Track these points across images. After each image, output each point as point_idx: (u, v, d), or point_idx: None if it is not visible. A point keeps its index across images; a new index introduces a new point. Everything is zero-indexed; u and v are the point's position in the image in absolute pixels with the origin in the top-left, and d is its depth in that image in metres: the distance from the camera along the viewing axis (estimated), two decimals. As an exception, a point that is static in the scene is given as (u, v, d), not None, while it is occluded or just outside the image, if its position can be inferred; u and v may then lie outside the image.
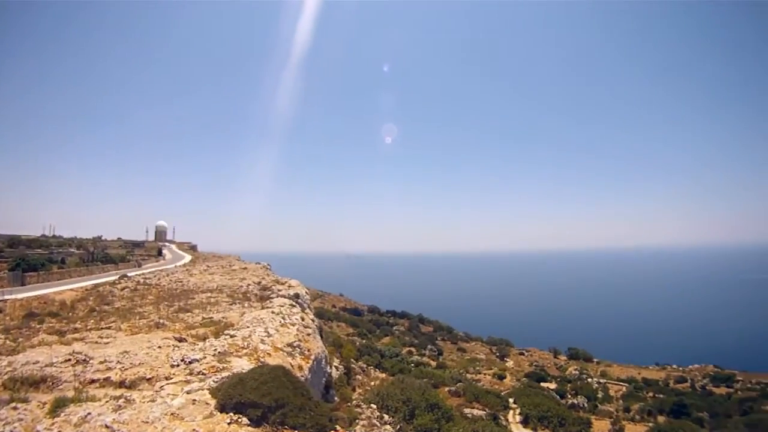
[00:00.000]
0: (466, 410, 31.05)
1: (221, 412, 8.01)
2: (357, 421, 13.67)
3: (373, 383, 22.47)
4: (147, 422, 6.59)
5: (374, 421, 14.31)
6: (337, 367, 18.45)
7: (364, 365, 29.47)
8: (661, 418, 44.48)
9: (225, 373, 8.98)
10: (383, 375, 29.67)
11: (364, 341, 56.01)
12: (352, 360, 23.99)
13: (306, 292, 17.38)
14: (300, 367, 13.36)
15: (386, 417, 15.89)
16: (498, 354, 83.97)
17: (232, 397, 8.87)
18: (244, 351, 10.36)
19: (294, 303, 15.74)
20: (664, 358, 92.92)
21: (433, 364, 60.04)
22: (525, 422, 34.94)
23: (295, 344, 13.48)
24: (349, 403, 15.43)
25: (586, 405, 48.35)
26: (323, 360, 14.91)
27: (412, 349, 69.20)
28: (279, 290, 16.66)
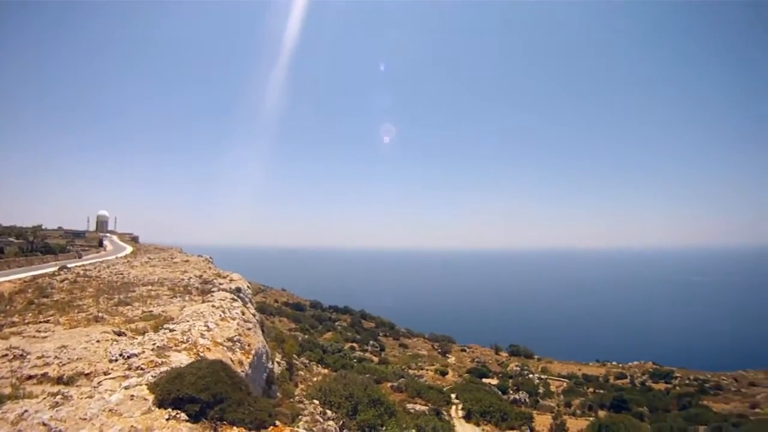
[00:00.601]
0: (409, 405, 31.94)
1: (160, 408, 8.12)
2: (300, 417, 14.01)
3: (315, 379, 22.82)
4: (85, 419, 6.68)
5: (317, 416, 14.70)
6: (279, 363, 18.64)
7: (307, 361, 29.78)
8: (601, 413, 46.68)
9: (164, 368, 9.10)
10: (326, 370, 30.08)
11: (306, 336, 56.29)
12: (294, 355, 24.23)
13: (248, 286, 17.43)
14: (240, 362, 13.53)
15: (329, 413, 16.32)
16: (440, 350, 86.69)
17: (170, 393, 8.98)
18: (184, 345, 10.46)
19: (235, 297, 15.80)
20: (604, 356, 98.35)
21: (376, 359, 61.05)
22: (467, 417, 36.25)
23: (235, 339, 13.62)
24: (291, 399, 15.73)
25: (527, 400, 50.43)
26: (264, 355, 15.11)
27: (355, 344, 70.15)
28: (220, 284, 16.65)
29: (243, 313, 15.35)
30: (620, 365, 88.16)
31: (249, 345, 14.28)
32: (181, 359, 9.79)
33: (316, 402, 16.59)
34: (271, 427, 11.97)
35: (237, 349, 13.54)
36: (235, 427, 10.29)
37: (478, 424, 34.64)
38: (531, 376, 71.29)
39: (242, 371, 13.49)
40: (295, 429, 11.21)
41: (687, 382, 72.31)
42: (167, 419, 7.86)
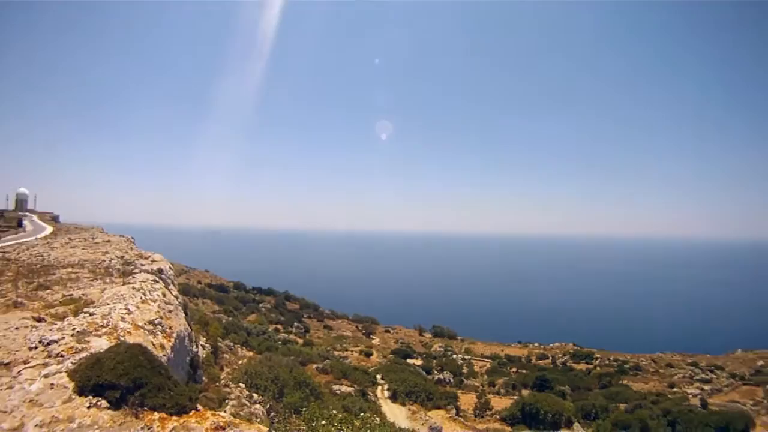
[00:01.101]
0: (335, 387, 32.60)
1: (80, 396, 8.07)
2: (227, 401, 14.11)
3: (240, 362, 22.84)
4: (5, 411, 6.59)
5: (244, 400, 14.85)
6: (203, 346, 18.51)
7: (231, 343, 29.61)
8: (525, 392, 49.07)
9: (83, 354, 9.00)
10: (251, 353, 30.06)
11: (230, 319, 55.67)
12: (219, 338, 24.08)
13: (170, 267, 17.08)
14: (162, 346, 13.42)
15: (255, 396, 16.50)
16: (364, 331, 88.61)
17: (89, 379, 8.89)
18: (104, 330, 10.30)
19: (157, 279, 15.47)
20: (526, 337, 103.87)
21: (300, 341, 61.44)
22: (393, 398, 37.41)
23: (156, 322, 13.47)
24: (217, 383, 15.77)
25: (452, 380, 52.55)
26: (187, 338, 15.00)
27: (279, 326, 70.27)
28: (142, 265, 16.22)
29: (164, 295, 15.13)
30: (542, 346, 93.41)
31: (170, 328, 14.15)
32: (101, 344, 9.68)
33: (242, 385, 16.71)
34: (193, 411, 12.08)
35: (158, 333, 13.41)
36: (156, 413, 10.34)
37: (404, 404, 35.86)
38: (455, 356, 74.27)
39: (164, 355, 13.41)
40: (217, 413, 11.36)
41: (607, 362, 77.75)
42: (88, 407, 7.84)
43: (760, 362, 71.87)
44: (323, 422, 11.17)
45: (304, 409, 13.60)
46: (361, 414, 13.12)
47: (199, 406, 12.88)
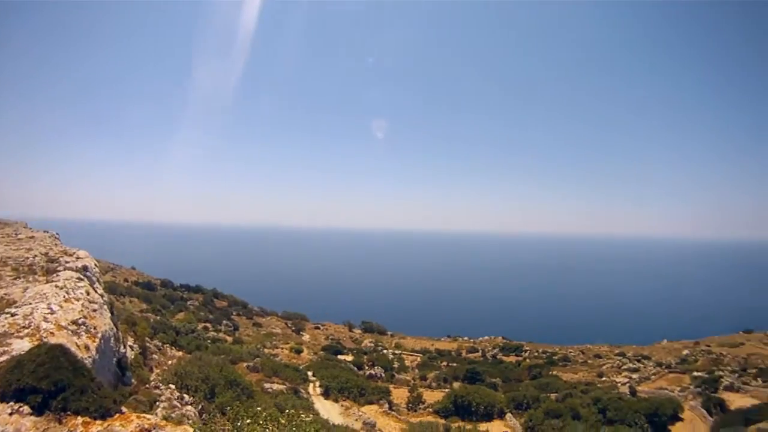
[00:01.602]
0: (266, 385, 32.29)
1: (1, 401, 7.79)
2: (157, 403, 13.73)
3: (170, 362, 22.18)
4: None
5: (175, 402, 14.49)
6: (131, 347, 17.86)
7: (160, 343, 28.64)
8: (456, 384, 50.46)
9: (4, 357, 8.61)
10: (180, 353, 29.25)
11: (158, 318, 53.97)
12: (147, 338, 23.26)
13: (95, 264, 16.35)
14: (86, 347, 12.94)
15: (186, 397, 16.13)
16: (294, 328, 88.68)
17: (10, 384, 8.53)
18: (26, 331, 9.86)
19: (81, 276, 14.80)
20: (455, 331, 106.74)
21: (230, 339, 60.58)
22: (326, 394, 37.55)
23: (80, 321, 12.99)
24: (147, 385, 15.30)
25: (383, 375, 53.21)
26: (112, 338, 14.49)
27: (208, 324, 68.99)
28: (66, 262, 15.44)
29: (88, 294, 14.55)
30: (471, 340, 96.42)
31: (95, 328, 13.67)
32: (23, 346, 9.30)
33: (173, 386, 16.28)
34: (117, 414, 11.76)
35: (82, 333, 12.94)
36: (79, 417, 10.05)
37: (336, 401, 36.05)
38: (385, 351, 75.47)
39: (89, 356, 12.95)
40: (142, 415, 11.10)
41: (536, 354, 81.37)
42: (10, 414, 7.60)
43: (685, 351, 77.50)
44: (248, 421, 11.16)
45: (229, 408, 13.51)
46: (286, 411, 13.16)
47: (124, 409, 12.56)
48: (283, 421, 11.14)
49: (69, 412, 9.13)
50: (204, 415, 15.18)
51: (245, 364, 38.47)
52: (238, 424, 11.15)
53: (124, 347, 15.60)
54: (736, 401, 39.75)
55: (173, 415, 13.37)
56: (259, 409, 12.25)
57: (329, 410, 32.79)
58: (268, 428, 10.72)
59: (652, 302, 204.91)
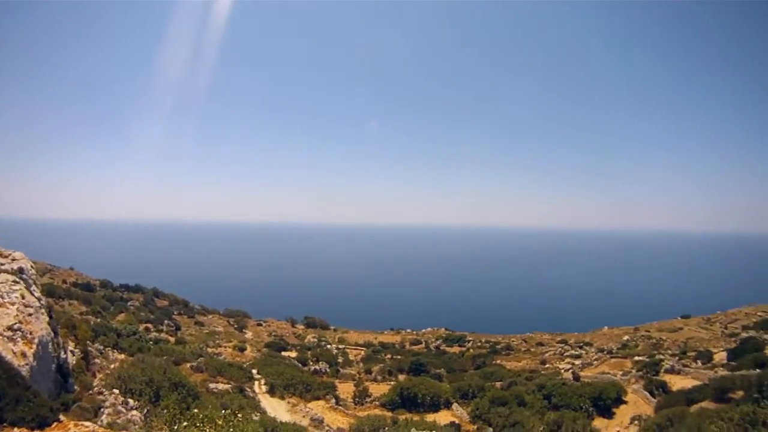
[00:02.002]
0: (211, 385, 31.77)
1: (-62, 417, 7.42)
2: (102, 409, 13.31)
3: (113, 366, 21.40)
4: None
5: (120, 407, 14.08)
6: (72, 352, 17.12)
7: (102, 347, 27.54)
8: (401, 377, 50.99)
9: (-61, 369, 8.19)
10: (122, 356, 28.27)
11: (98, 320, 51.80)
12: (89, 342, 22.38)
13: (32, 266, 15.59)
14: (23, 354, 12.48)
15: (131, 401, 15.67)
16: (236, 326, 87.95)
17: (-55, 397, 8.12)
18: (-40, 340, 9.39)
19: (17, 279, 14.08)
20: (397, 324, 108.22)
21: (172, 339, 59.15)
22: (272, 392, 37.25)
23: (15, 327, 12.51)
24: (91, 391, 14.79)
25: (328, 370, 53.27)
26: (51, 344, 13.93)
27: (149, 325, 66.93)
28: (1, 264, 14.68)
29: (23, 297, 13.94)
30: (414, 332, 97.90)
31: (32, 333, 13.18)
32: (-42, 357, 8.85)
33: (116, 391, 15.77)
34: (55, 423, 11.42)
35: (18, 339, 12.49)
36: (15, 428, 9.73)
37: (283, 398, 35.88)
38: (329, 346, 75.74)
39: (26, 364, 12.50)
40: (81, 423, 10.82)
41: (479, 344, 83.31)
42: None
43: (626, 337, 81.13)
44: (185, 423, 11.09)
45: (166, 410, 13.35)
46: (224, 411, 13.09)
47: (62, 417, 12.18)
48: (220, 422, 11.08)
49: (5, 424, 8.83)
50: (149, 419, 14.84)
51: (189, 365, 37.68)
52: (175, 427, 11.04)
53: (65, 352, 15.02)
54: (678, 383, 41.48)
55: (119, 420, 13.02)
56: (195, 411, 12.17)
57: (276, 408, 32.60)
58: (205, 430, 10.64)
59: (594, 291, 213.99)
